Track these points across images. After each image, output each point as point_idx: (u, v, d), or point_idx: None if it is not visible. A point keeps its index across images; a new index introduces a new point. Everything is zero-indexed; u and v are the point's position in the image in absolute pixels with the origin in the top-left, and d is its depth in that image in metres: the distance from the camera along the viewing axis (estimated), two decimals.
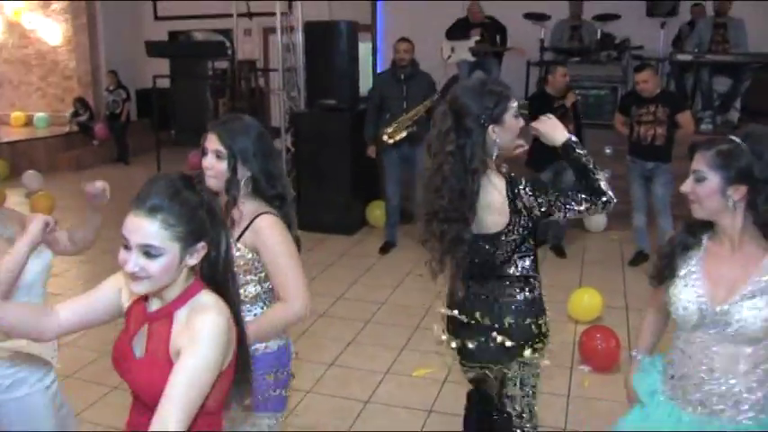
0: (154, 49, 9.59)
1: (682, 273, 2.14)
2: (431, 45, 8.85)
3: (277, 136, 8.63)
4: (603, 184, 2.45)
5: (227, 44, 8.84)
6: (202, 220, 1.77)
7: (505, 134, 2.53)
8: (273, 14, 8.55)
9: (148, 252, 1.69)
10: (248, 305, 2.48)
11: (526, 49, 8.89)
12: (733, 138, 2.03)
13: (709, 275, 2.09)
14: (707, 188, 2.03)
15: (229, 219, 2.37)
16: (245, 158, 2.43)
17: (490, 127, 2.48)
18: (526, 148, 2.70)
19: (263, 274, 2.48)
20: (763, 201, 1.96)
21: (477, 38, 8.71)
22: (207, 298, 1.82)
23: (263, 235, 2.40)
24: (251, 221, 2.41)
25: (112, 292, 1.94)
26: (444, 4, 9.68)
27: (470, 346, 2.69)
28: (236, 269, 2.11)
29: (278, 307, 2.45)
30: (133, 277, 1.73)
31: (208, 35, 11.90)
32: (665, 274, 2.20)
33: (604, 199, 2.44)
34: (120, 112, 12.10)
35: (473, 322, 2.69)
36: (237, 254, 2.38)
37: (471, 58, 8.78)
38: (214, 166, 2.41)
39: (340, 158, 7.59)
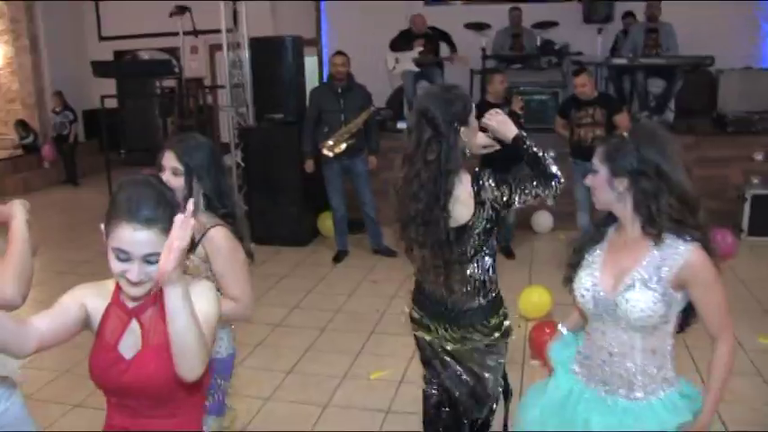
0: (100, 69, 9.56)
1: (585, 263, 2.31)
2: (376, 57, 9.04)
3: (227, 151, 8.69)
4: (554, 168, 2.69)
5: (174, 62, 8.87)
6: None
7: (471, 133, 2.72)
8: (219, 31, 8.63)
9: (150, 260, 1.78)
10: None
11: (468, 57, 9.08)
12: (624, 134, 2.21)
13: (606, 265, 2.25)
14: (598, 180, 2.21)
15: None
16: (200, 175, 2.59)
17: (462, 129, 2.65)
18: (497, 147, 2.87)
19: (211, 282, 2.62)
20: (637, 191, 2.12)
21: (421, 48, 8.89)
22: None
23: (216, 244, 2.57)
24: (204, 233, 2.57)
25: (75, 305, 1.94)
26: (388, 17, 9.85)
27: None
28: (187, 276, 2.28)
29: (228, 301, 2.58)
30: (134, 284, 1.81)
31: (154, 54, 11.89)
32: (575, 270, 2.35)
33: (555, 182, 2.68)
34: (68, 133, 12.02)
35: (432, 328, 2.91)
36: (188, 263, 2.51)
37: (415, 69, 8.95)
38: (170, 182, 2.53)
39: (290, 171, 7.67)
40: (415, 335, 3.06)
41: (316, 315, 5.75)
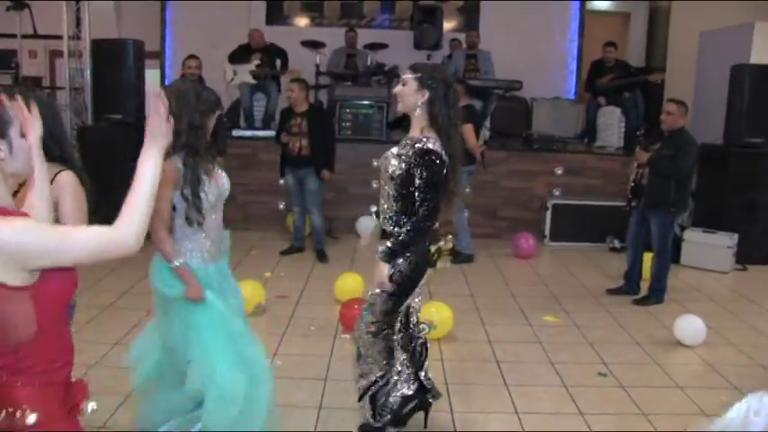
0: None
1: None
2: (217, 68, 9.39)
3: None
4: None
5: (13, 57, 8.80)
6: None
7: None
8: (61, 37, 8.73)
9: None
10: None
11: (303, 73, 9.55)
12: None
13: None
14: None
15: None
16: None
17: None
18: None
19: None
20: None
21: (258, 62, 9.34)
22: None
23: (64, 187, 2.79)
24: (53, 177, 2.72)
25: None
26: (229, 32, 10.23)
27: None
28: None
29: None
30: None
31: None
32: None
33: None
34: None
35: None
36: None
37: (252, 81, 9.39)
38: None
39: (126, 169, 7.81)
40: None
41: (145, 299, 5.89)
